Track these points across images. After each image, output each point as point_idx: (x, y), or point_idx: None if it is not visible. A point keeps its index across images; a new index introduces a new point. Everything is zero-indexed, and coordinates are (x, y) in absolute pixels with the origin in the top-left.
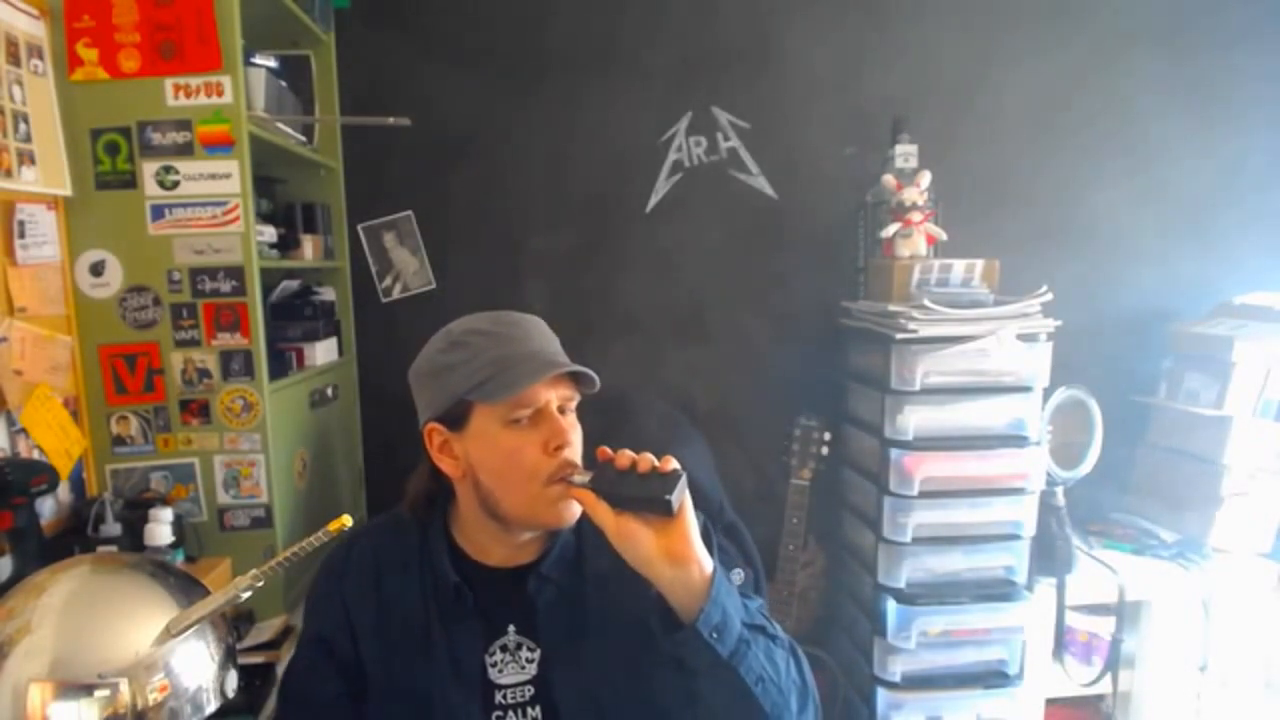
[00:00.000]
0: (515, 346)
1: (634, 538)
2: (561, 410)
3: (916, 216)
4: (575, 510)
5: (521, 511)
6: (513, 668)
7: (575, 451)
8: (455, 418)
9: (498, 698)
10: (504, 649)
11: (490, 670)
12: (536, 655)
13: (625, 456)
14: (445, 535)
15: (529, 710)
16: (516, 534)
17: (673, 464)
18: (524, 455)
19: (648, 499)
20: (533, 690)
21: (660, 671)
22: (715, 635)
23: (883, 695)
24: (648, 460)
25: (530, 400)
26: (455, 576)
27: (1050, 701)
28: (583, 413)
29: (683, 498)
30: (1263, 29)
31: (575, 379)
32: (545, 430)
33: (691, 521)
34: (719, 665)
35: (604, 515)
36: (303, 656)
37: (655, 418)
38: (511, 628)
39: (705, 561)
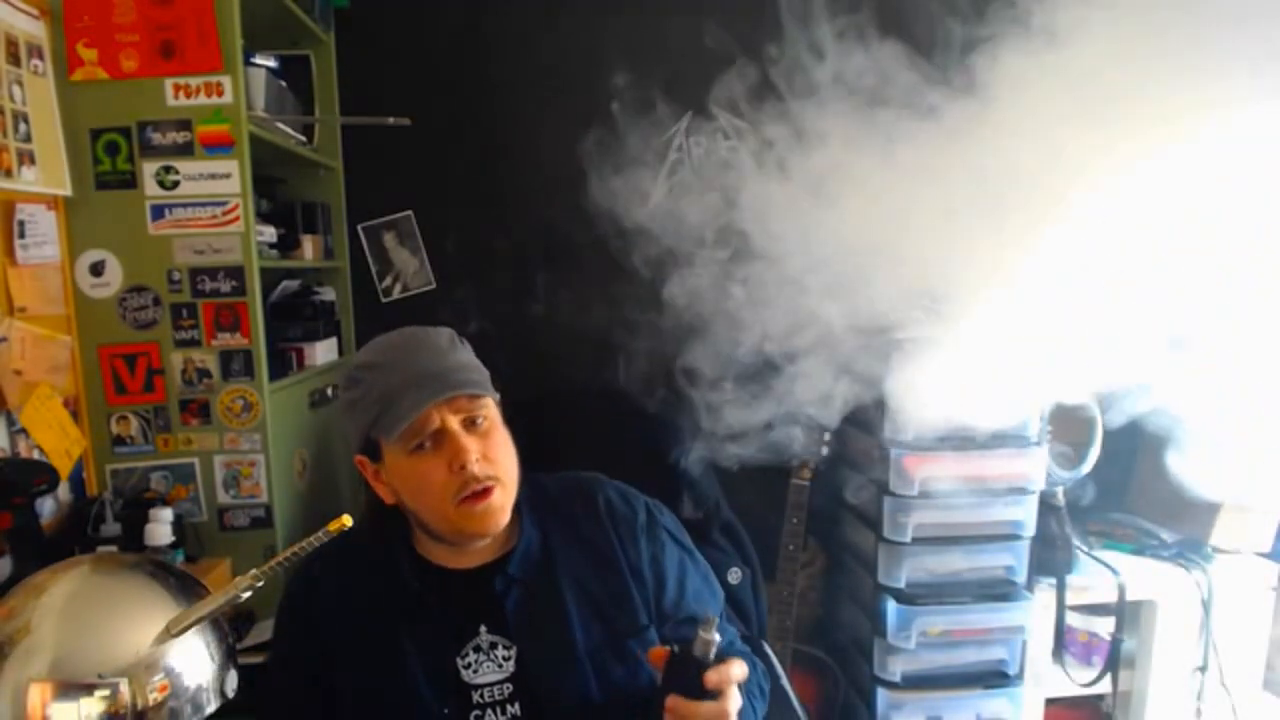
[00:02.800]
0: (400, 375)
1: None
2: (472, 421)
3: None
4: (500, 516)
5: (447, 529)
6: (489, 666)
7: (488, 460)
8: (371, 451)
9: (475, 697)
10: (477, 649)
11: (464, 672)
12: (513, 653)
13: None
14: (407, 546)
15: (508, 707)
16: (461, 544)
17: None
18: (431, 479)
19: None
20: (511, 688)
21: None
22: None
23: (883, 695)
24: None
25: (422, 427)
26: (415, 584)
27: (1050, 701)
28: (589, 413)
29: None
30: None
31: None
32: (448, 450)
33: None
34: None
35: None
36: (276, 678)
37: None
38: (483, 628)
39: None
